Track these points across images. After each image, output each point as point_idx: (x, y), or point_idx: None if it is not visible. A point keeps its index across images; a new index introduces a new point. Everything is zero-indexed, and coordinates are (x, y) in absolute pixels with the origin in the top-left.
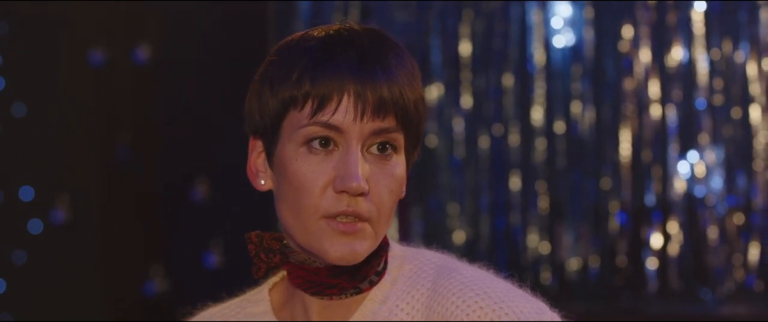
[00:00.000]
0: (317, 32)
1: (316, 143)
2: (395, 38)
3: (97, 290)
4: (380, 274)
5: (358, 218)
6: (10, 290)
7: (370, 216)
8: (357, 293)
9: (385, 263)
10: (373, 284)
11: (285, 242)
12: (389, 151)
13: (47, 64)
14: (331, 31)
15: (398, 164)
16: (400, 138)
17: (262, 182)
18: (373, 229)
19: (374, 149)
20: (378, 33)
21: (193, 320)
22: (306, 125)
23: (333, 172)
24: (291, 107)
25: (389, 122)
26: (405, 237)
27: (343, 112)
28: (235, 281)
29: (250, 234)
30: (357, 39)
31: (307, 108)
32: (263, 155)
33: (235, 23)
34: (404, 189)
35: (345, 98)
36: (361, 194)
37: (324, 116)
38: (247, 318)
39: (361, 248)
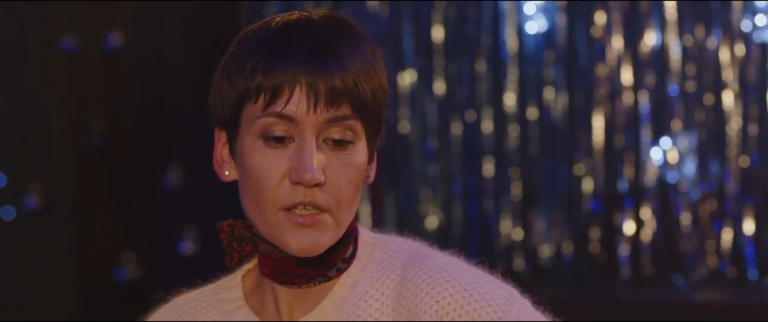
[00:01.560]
0: (275, 22)
1: (271, 136)
2: (356, 25)
3: (70, 276)
4: (348, 261)
5: (317, 208)
6: None
7: (329, 206)
8: (325, 281)
9: (354, 249)
10: (341, 271)
11: (255, 230)
12: (346, 140)
13: (18, 50)
14: (288, 21)
15: (357, 152)
16: (357, 126)
17: (227, 173)
18: (334, 219)
19: (331, 139)
20: (337, 20)
21: (166, 306)
22: (260, 117)
23: (288, 163)
24: (246, 100)
25: (344, 111)
26: (378, 223)
27: (295, 103)
28: (208, 267)
29: (221, 224)
30: (313, 29)
31: (261, 100)
32: (227, 147)
33: (207, 9)
34: (372, 174)
35: (297, 89)
36: (317, 185)
37: (277, 107)
38: (219, 305)
39: (322, 240)
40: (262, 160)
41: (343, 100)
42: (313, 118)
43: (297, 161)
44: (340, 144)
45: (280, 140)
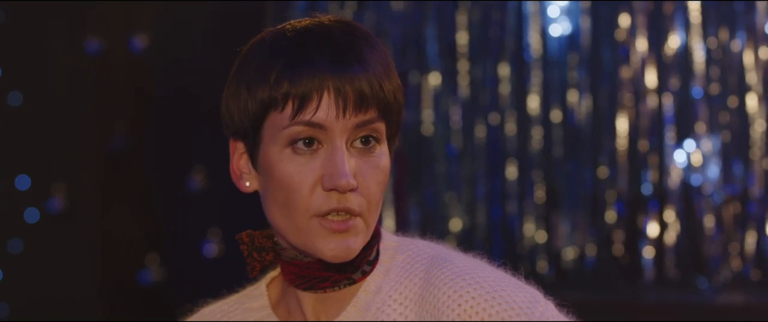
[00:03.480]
0: (289, 30)
1: (300, 143)
2: (365, 28)
3: (93, 278)
4: (372, 263)
5: (350, 213)
6: (7, 279)
7: (361, 210)
8: (350, 284)
9: (377, 252)
10: (365, 273)
11: (276, 239)
12: (372, 143)
13: (43, 53)
14: (303, 28)
15: (382, 154)
16: (381, 128)
17: (247, 183)
18: (365, 222)
19: (358, 143)
20: (349, 25)
21: (192, 317)
22: (288, 126)
23: (320, 170)
24: (271, 109)
25: (371, 115)
26: (401, 226)
27: (324, 110)
28: (232, 270)
29: (241, 235)
30: (330, 34)
31: (288, 109)
32: (246, 157)
33: (232, 11)
34: (389, 172)
35: (325, 96)
36: (351, 190)
37: (306, 115)
38: (246, 314)
39: (355, 244)
40: (292, 168)
41: (370, 103)
42: (342, 124)
43: (330, 168)
44: (366, 147)
45: (309, 147)
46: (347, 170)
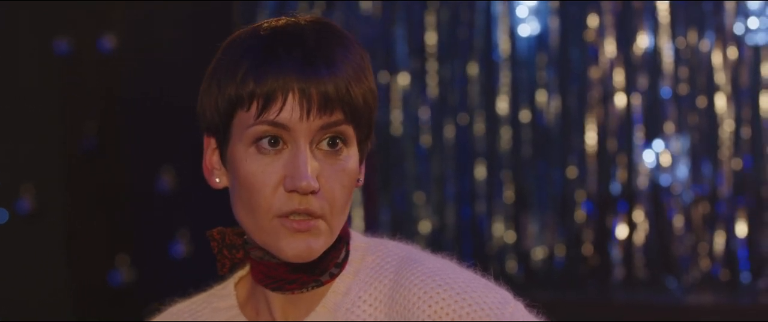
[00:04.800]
0: (263, 29)
1: (264, 143)
2: (342, 29)
3: (63, 279)
4: (340, 265)
5: (311, 215)
6: None
7: (323, 213)
8: (318, 286)
9: (347, 254)
10: (333, 276)
11: (246, 237)
12: (339, 145)
13: (12, 53)
14: (277, 27)
15: (350, 157)
16: (349, 131)
17: (218, 180)
18: (328, 224)
19: (324, 145)
20: (324, 25)
21: (160, 316)
22: (253, 125)
23: (283, 171)
24: (238, 107)
25: (336, 117)
26: (371, 227)
27: (289, 111)
28: (201, 270)
29: (211, 231)
30: (302, 34)
31: (254, 108)
32: (217, 153)
33: (200, 11)
34: (362, 178)
35: (290, 96)
36: (312, 192)
37: (270, 115)
38: (214, 314)
39: (317, 245)
40: (256, 167)
41: (335, 106)
42: (306, 125)
43: (291, 169)
44: (333, 150)
45: (273, 147)
46: (309, 172)
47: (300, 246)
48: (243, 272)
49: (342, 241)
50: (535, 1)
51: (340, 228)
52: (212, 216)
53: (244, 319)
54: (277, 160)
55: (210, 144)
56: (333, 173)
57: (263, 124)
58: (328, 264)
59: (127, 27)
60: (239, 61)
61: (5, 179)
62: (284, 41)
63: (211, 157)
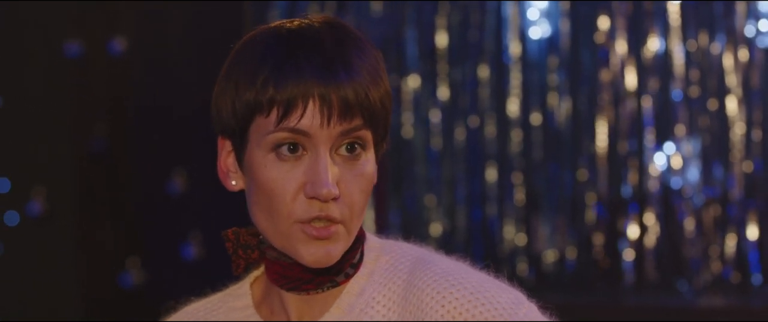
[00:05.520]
0: (279, 30)
1: (284, 149)
2: (356, 31)
3: (74, 281)
4: (356, 266)
5: (331, 221)
6: None
7: (343, 218)
8: (333, 287)
9: (362, 254)
10: (349, 276)
11: (261, 237)
12: (358, 150)
13: (23, 56)
14: (293, 31)
15: (368, 161)
16: (367, 135)
17: (233, 182)
18: (347, 229)
19: (343, 150)
20: (339, 28)
21: (176, 315)
22: (273, 131)
23: (303, 177)
24: (257, 112)
25: (356, 123)
26: (381, 229)
27: (309, 117)
28: (213, 272)
29: (226, 232)
30: (320, 38)
31: (273, 114)
32: (232, 156)
33: (211, 12)
34: (375, 179)
35: (310, 103)
36: (333, 199)
37: (290, 122)
38: (229, 313)
39: (335, 251)
40: (276, 174)
41: (355, 112)
42: (327, 132)
43: (312, 176)
44: (352, 154)
45: (293, 154)
46: (330, 179)
47: (319, 252)
48: (258, 272)
49: (358, 242)
50: (546, 1)
51: (357, 231)
52: (223, 218)
53: (260, 319)
54: (298, 166)
55: (225, 146)
56: (352, 178)
57: (283, 131)
58: (344, 265)
59: (138, 29)
60: (258, 65)
61: (16, 182)
62: (303, 46)
63: (226, 159)
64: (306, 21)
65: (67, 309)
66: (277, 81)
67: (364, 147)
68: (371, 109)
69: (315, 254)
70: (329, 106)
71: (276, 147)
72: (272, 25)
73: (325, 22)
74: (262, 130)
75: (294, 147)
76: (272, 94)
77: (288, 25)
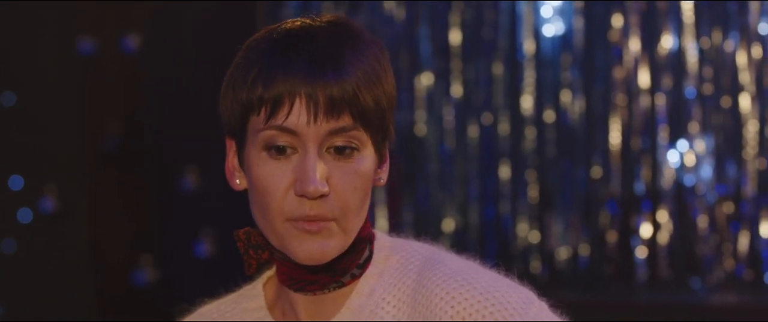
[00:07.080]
0: (276, 32)
1: (274, 147)
2: (360, 30)
3: (86, 279)
4: (363, 266)
5: (322, 219)
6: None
7: (335, 216)
8: (340, 287)
9: (370, 254)
10: (355, 277)
11: None
12: (350, 149)
13: (36, 53)
14: (290, 30)
15: (363, 158)
16: (361, 135)
17: (238, 181)
18: (340, 227)
19: (334, 148)
20: (339, 27)
21: (190, 316)
22: (262, 130)
23: (293, 175)
24: (250, 111)
25: (345, 122)
26: (394, 227)
27: (296, 115)
28: (226, 270)
29: (237, 232)
30: (313, 37)
31: (263, 113)
32: (237, 156)
33: (224, 11)
34: (384, 176)
35: (297, 102)
36: (321, 196)
37: (278, 120)
38: (243, 315)
39: (329, 247)
40: (267, 171)
41: (343, 110)
42: (314, 130)
43: (300, 173)
44: (343, 153)
45: (282, 152)
46: (317, 176)
47: (312, 248)
48: (271, 272)
49: (364, 242)
50: (560, 1)
51: (357, 230)
52: (236, 216)
53: (272, 320)
54: (287, 164)
55: (231, 146)
56: (344, 175)
57: (271, 129)
58: (349, 265)
59: (151, 27)
60: (251, 66)
61: (29, 179)
62: (294, 45)
63: (232, 159)
64: (307, 21)
65: (80, 307)
66: (266, 80)
67: (358, 146)
68: (361, 107)
69: (308, 250)
70: (315, 104)
71: (266, 145)
72: (275, 25)
73: (326, 22)
74: (254, 129)
75: (283, 146)
76: (261, 93)
77: (288, 25)
